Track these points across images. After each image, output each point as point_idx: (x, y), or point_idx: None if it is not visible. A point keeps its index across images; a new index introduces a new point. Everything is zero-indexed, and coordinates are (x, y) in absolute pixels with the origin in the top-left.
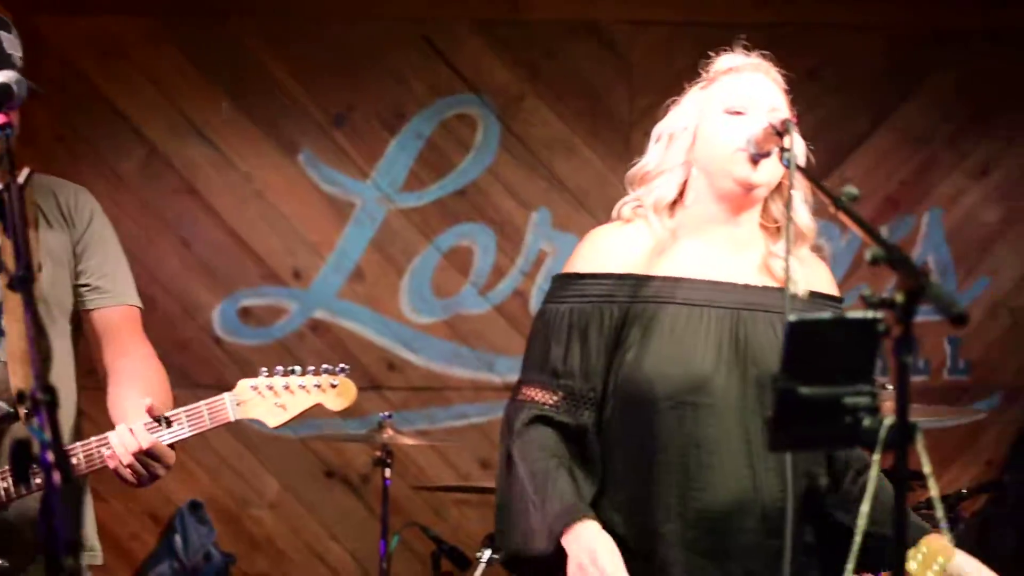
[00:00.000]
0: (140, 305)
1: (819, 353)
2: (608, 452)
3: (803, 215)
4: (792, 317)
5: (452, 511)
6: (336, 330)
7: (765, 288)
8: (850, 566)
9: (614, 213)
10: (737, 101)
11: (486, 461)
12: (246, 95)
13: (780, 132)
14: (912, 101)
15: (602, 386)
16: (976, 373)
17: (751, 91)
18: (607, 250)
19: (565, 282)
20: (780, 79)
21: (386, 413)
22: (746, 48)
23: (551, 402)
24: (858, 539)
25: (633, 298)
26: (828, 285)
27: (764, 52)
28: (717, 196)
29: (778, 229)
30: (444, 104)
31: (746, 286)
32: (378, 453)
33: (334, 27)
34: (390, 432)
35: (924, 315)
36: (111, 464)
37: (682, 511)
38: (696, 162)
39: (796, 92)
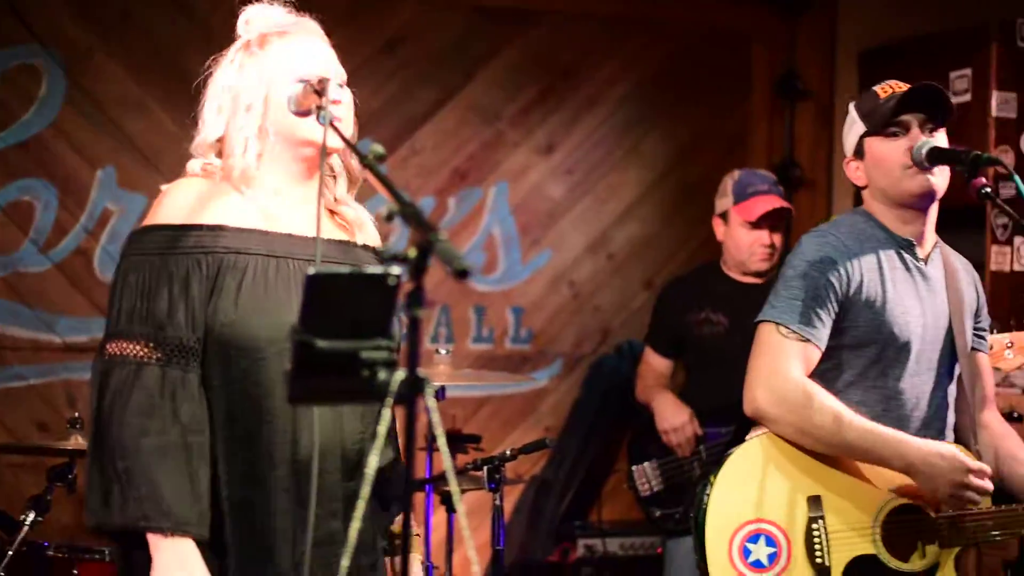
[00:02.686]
0: None
1: (337, 307)
2: (211, 403)
3: (354, 163)
4: (311, 271)
5: (6, 474)
6: None
7: (356, 245)
8: (356, 523)
9: (189, 169)
10: (307, 68)
11: (43, 423)
12: None
13: (318, 91)
14: (479, 78)
15: (203, 336)
16: (537, 342)
17: (316, 55)
18: (193, 202)
19: (155, 233)
20: (325, 36)
21: None
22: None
23: (155, 356)
24: (366, 490)
25: (226, 249)
26: (375, 238)
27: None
28: (292, 160)
29: (335, 177)
30: (7, 54)
31: (340, 242)
32: None
33: None
34: None
35: (489, 285)
36: None
37: (288, 457)
38: (273, 129)
39: (372, 64)
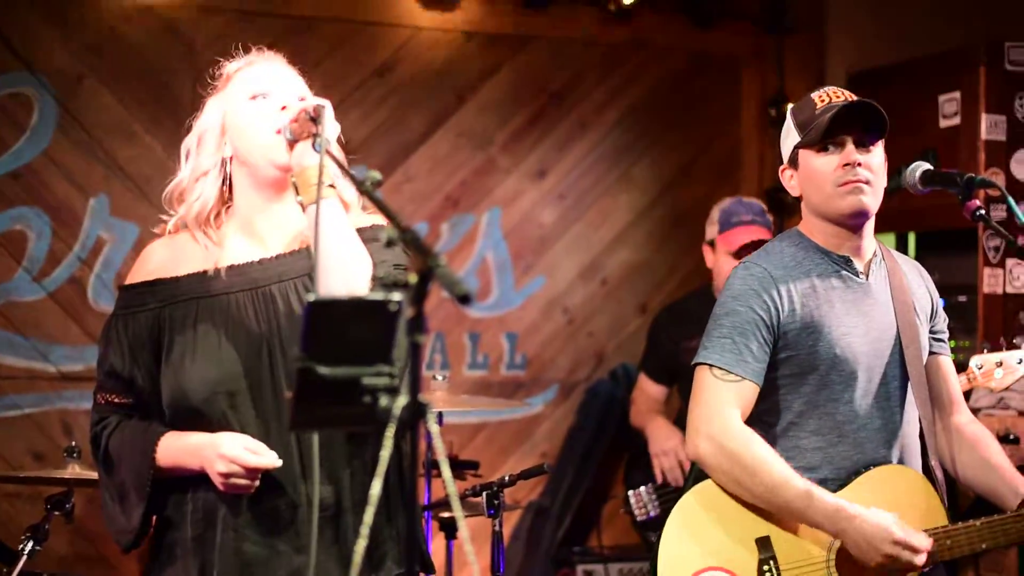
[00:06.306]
0: None
1: (338, 333)
2: None
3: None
4: (311, 297)
5: (2, 504)
6: None
7: (293, 253)
8: (361, 546)
9: (161, 229)
10: (259, 85)
11: (40, 453)
12: None
13: (314, 118)
14: (471, 103)
15: (158, 388)
16: (532, 368)
17: (270, 74)
18: (154, 261)
19: (120, 294)
20: (292, 69)
21: None
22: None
23: (128, 402)
24: (368, 517)
25: (165, 301)
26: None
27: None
28: (259, 184)
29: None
30: None
31: (275, 257)
32: None
33: None
34: None
35: (483, 311)
36: None
37: (232, 496)
38: (235, 156)
39: (364, 91)
